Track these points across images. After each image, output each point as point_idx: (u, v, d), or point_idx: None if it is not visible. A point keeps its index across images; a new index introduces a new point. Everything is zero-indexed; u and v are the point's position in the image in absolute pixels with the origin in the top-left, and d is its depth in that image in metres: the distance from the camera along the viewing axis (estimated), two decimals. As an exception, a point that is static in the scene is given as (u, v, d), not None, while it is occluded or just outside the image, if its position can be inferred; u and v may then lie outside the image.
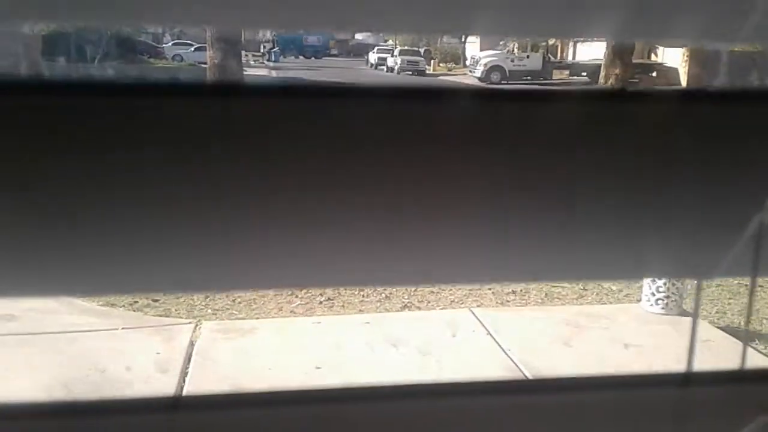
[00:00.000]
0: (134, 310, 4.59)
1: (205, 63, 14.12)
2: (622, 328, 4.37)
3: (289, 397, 0.38)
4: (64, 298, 4.66)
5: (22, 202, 0.32)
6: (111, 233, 0.33)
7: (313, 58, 38.53)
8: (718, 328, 4.38)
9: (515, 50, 26.76)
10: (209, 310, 4.63)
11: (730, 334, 4.23)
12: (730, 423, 0.43)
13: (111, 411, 0.37)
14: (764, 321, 4.66)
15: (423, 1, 0.35)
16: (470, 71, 28.21)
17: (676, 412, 0.43)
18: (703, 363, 0.43)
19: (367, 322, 4.43)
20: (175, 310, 4.61)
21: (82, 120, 0.32)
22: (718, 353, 3.61)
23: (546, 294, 5.12)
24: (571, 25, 0.39)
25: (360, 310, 4.75)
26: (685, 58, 22.49)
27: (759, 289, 5.21)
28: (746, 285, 5.24)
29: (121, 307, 4.63)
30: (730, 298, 5.00)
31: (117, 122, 0.32)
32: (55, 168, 0.31)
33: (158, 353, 3.83)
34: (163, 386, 3.42)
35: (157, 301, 4.73)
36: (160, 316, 4.52)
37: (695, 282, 5.17)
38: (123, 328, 4.18)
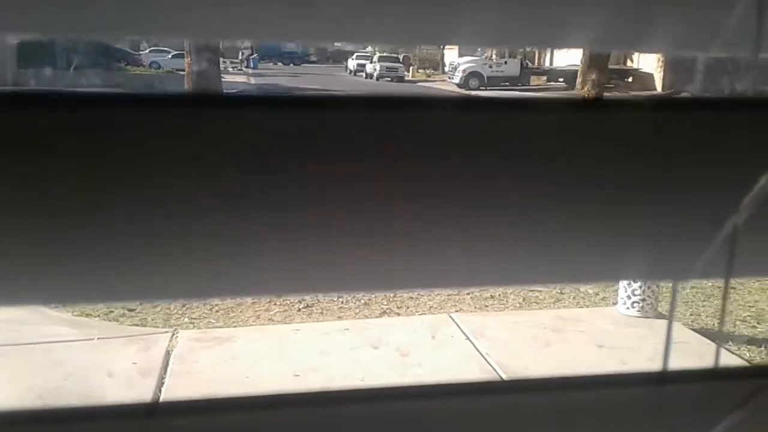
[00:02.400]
0: (110, 320, 4.54)
1: (183, 70, 14.05)
2: (599, 330, 4.41)
3: (268, 402, 0.38)
4: (42, 307, 4.61)
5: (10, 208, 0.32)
6: (94, 241, 0.33)
7: (291, 65, 38.47)
8: (692, 330, 4.44)
9: (493, 57, 26.93)
10: (186, 319, 4.60)
11: (704, 336, 4.29)
12: (704, 420, 0.44)
13: (87, 417, 0.37)
14: (737, 323, 4.72)
15: (402, 13, 0.36)
16: (449, 77, 28.36)
17: (652, 410, 0.44)
18: (678, 363, 0.44)
19: (347, 329, 4.42)
20: (152, 320, 4.57)
21: (71, 129, 0.32)
22: (693, 354, 3.65)
23: (524, 299, 5.15)
24: (549, 35, 0.39)
25: (339, 317, 4.74)
26: (660, 63, 22.78)
27: (732, 291, 5.29)
28: (719, 287, 5.31)
29: (96, 317, 4.58)
30: (704, 301, 5.07)
31: (106, 133, 0.32)
32: (42, 177, 0.32)
33: (134, 362, 3.79)
34: (139, 395, 3.39)
35: (133, 310, 4.69)
36: (137, 325, 4.48)
37: (670, 285, 5.23)
38: (99, 338, 4.14)
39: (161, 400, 3.26)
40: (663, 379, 0.45)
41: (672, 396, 0.44)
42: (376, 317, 4.76)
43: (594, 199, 0.38)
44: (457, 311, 4.82)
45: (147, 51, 28.45)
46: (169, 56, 26.82)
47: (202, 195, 0.33)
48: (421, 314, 4.80)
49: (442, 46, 33.99)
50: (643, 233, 0.40)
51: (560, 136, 0.37)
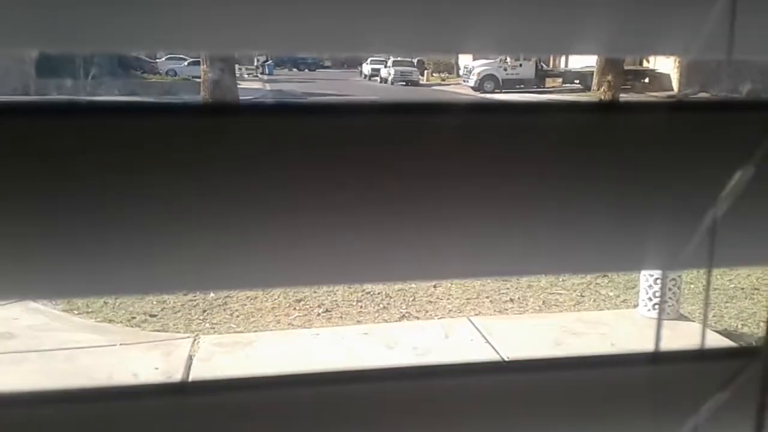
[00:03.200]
0: (132, 326, 4.58)
1: (199, 77, 14.15)
2: (621, 333, 4.38)
3: (291, 380, 0.40)
4: (64, 314, 4.66)
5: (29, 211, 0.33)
6: (108, 237, 0.34)
7: (306, 70, 38.65)
8: (715, 331, 4.40)
9: (508, 59, 26.87)
10: (207, 324, 4.62)
11: (728, 338, 4.25)
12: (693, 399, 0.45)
13: (118, 396, 0.38)
14: (761, 324, 4.67)
15: (416, 23, 0.36)
16: (464, 81, 28.34)
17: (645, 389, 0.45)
18: None
19: (366, 333, 4.43)
20: (173, 325, 4.60)
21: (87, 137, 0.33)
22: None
23: (543, 301, 5.13)
24: (563, 42, 0.40)
25: (358, 321, 4.75)
26: (677, 64, 22.62)
27: (755, 292, 5.23)
28: (742, 289, 5.26)
29: (119, 323, 4.62)
30: (726, 302, 5.02)
31: (119, 141, 0.33)
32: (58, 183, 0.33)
33: (156, 368, 3.82)
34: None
35: (154, 316, 4.73)
36: (158, 331, 4.51)
37: (691, 287, 5.19)
38: (121, 344, 4.18)
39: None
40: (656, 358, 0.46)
41: (664, 376, 0.45)
42: (395, 321, 4.76)
43: (609, 195, 0.39)
44: (476, 315, 4.80)
45: (163, 59, 28.73)
46: (185, 63, 27.06)
47: (217, 197, 0.34)
48: (440, 318, 4.79)
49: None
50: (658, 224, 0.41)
51: (570, 139, 0.38)
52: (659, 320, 3.86)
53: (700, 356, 0.47)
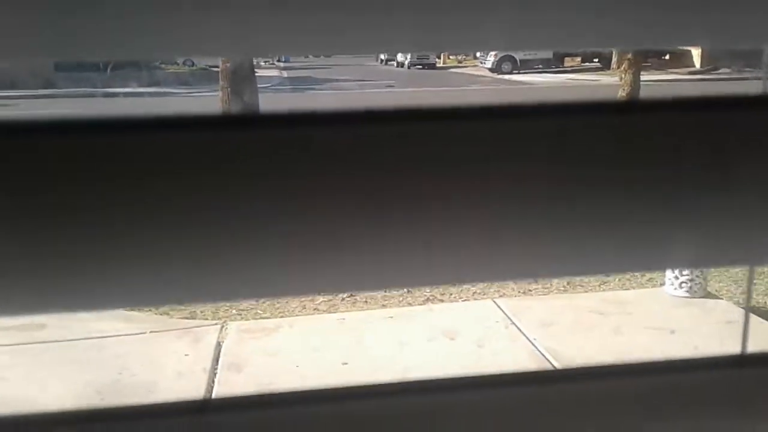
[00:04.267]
0: (160, 314, 4.64)
1: (216, 66, 14.18)
2: (648, 313, 4.35)
3: (314, 396, 0.40)
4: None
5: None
6: (126, 245, 0.34)
7: (322, 57, 38.56)
8: (742, 308, 4.35)
9: (525, 39, 26.51)
10: (234, 311, 4.67)
11: (757, 315, 4.20)
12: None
13: (138, 416, 0.38)
14: (791, 300, 4.62)
15: (429, 20, 0.36)
16: (480, 63, 28.10)
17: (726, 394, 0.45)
18: (730, 342, 0.44)
19: (391, 317, 4.45)
20: (201, 312, 4.65)
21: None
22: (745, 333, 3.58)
23: (568, 282, 5.11)
24: (579, 38, 0.39)
25: (383, 305, 4.77)
26: (698, 39, 22.18)
27: (784, 268, 5.17)
28: (771, 265, 5.19)
29: (147, 311, 4.68)
30: (755, 279, 4.96)
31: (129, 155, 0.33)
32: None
33: (186, 355, 3.87)
34: (192, 386, 3.46)
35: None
36: (186, 318, 4.57)
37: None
38: (150, 332, 4.23)
39: (214, 390, 3.32)
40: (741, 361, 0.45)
41: (747, 379, 0.45)
42: (420, 305, 4.77)
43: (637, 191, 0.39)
44: (500, 296, 4.80)
45: (180, 49, 28.73)
46: (202, 53, 27.04)
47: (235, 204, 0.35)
48: (465, 300, 4.80)
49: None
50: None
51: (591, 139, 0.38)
52: (746, 321, 3.77)
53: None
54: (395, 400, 0.40)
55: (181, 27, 0.34)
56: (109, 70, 19.04)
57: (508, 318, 4.30)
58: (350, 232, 0.36)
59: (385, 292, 4.99)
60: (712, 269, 4.82)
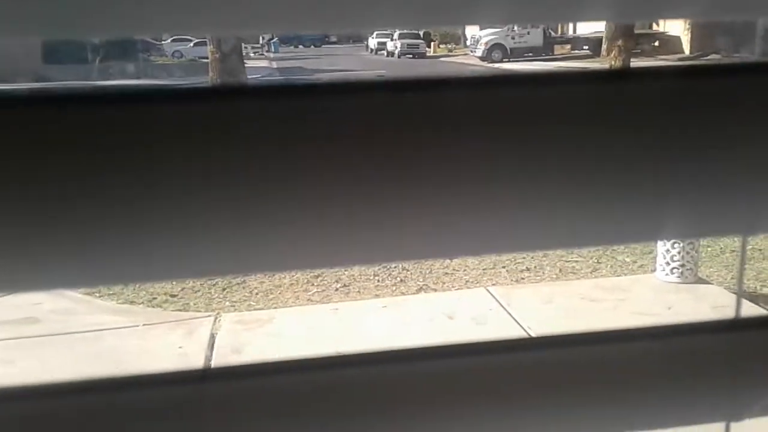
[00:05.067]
0: (153, 307, 4.64)
1: (206, 58, 14.09)
2: (640, 298, 4.38)
3: (309, 364, 0.40)
4: (87, 297, 4.72)
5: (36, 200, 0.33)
6: (119, 225, 0.34)
7: (312, 47, 38.39)
8: (734, 293, 4.39)
9: (515, 28, 26.57)
10: (227, 303, 4.67)
11: (747, 299, 4.24)
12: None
13: (139, 385, 0.39)
14: (780, 284, 4.66)
15: None
16: (471, 51, 28.07)
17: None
18: None
19: (385, 306, 4.46)
20: (194, 304, 4.65)
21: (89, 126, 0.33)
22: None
23: (560, 270, 5.13)
24: (572, 9, 0.39)
25: (376, 295, 4.78)
26: (687, 26, 22.28)
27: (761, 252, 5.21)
28: (760, 250, 5.23)
29: (140, 304, 4.68)
30: (744, 264, 5.00)
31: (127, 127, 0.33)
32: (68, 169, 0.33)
33: (180, 347, 3.88)
34: (187, 379, 3.46)
35: (175, 296, 4.78)
36: (179, 310, 4.56)
37: (709, 250, 5.16)
38: (144, 325, 4.23)
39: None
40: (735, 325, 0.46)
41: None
42: (413, 294, 4.78)
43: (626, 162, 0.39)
44: (493, 284, 4.82)
45: (169, 41, 28.61)
46: (191, 45, 26.95)
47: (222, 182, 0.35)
48: (458, 289, 4.82)
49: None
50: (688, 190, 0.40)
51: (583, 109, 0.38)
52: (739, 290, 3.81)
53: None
54: (385, 367, 0.41)
55: (167, 3, 0.34)
56: (98, 62, 18.90)
57: (502, 306, 4.32)
58: (344, 205, 0.36)
59: (379, 266, 5.00)
60: (703, 254, 4.85)
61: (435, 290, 4.85)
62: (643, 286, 4.62)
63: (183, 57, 26.06)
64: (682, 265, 4.60)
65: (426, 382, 0.41)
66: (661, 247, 4.69)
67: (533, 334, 3.84)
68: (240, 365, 0.40)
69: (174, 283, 4.97)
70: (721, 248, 5.33)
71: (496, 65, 24.59)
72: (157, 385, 0.39)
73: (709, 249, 5.23)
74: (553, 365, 0.44)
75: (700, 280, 4.64)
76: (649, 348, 0.45)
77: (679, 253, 4.59)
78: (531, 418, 0.44)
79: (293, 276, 5.06)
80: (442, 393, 0.42)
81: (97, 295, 4.81)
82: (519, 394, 0.43)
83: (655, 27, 24.62)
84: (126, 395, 0.39)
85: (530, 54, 26.26)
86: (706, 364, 0.45)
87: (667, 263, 4.65)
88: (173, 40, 28.59)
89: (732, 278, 4.78)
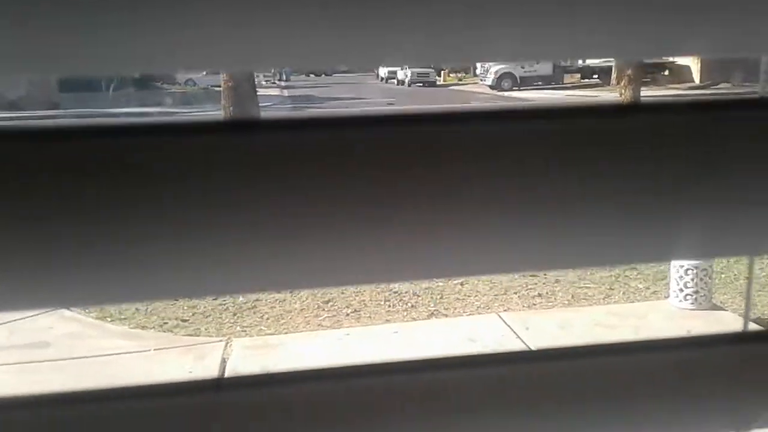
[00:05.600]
0: (164, 331, 4.63)
1: (218, 86, 14.25)
2: (654, 325, 4.34)
3: (319, 374, 0.41)
4: (99, 321, 4.72)
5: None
6: (117, 243, 0.35)
7: (323, 75, 38.77)
8: (740, 315, 4.34)
9: (525, 56, 26.69)
10: (238, 328, 4.66)
11: (762, 326, 4.19)
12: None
13: (154, 395, 0.39)
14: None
15: (429, 34, 0.37)
16: (481, 80, 28.24)
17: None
18: None
19: (396, 332, 4.44)
20: (205, 329, 4.65)
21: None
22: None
23: (572, 296, 5.10)
24: (580, 47, 0.40)
25: (387, 320, 4.76)
26: (697, 57, 22.32)
27: (788, 280, 5.16)
28: (775, 276, 5.19)
29: (151, 328, 4.68)
30: (759, 290, 4.95)
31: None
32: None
33: (191, 371, 3.86)
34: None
35: (186, 321, 4.78)
36: (191, 335, 4.56)
37: (723, 277, 5.12)
38: (155, 349, 4.23)
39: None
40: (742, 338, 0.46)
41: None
42: (424, 319, 4.76)
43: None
44: (505, 311, 4.79)
45: (182, 69, 28.90)
46: (204, 73, 27.31)
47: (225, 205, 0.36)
48: (469, 315, 4.79)
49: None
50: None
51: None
52: (747, 304, 3.79)
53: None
54: (393, 378, 0.42)
55: (182, 38, 0.35)
56: (111, 90, 19.15)
57: (514, 332, 4.29)
58: (349, 229, 0.37)
59: (389, 285, 4.99)
60: (717, 281, 4.81)
61: (446, 315, 4.83)
62: (658, 312, 4.58)
63: (196, 85, 26.36)
64: (696, 292, 4.57)
65: (427, 392, 0.42)
66: (675, 273, 4.66)
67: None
68: (252, 375, 0.41)
69: (185, 308, 4.98)
70: (735, 275, 5.29)
71: (506, 93, 24.72)
72: (174, 395, 0.40)
73: (723, 276, 5.18)
74: (557, 377, 0.44)
75: (715, 307, 4.60)
76: (653, 361, 0.45)
77: (692, 279, 4.56)
78: (535, 430, 0.44)
79: (304, 301, 5.06)
80: (443, 403, 0.42)
81: (109, 319, 4.82)
82: (522, 406, 0.43)
83: (664, 57, 24.69)
84: (143, 403, 0.39)
85: (540, 82, 26.40)
86: (711, 377, 0.45)
87: (681, 289, 4.61)
88: (186, 69, 28.90)
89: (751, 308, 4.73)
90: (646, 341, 0.45)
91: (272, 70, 35.68)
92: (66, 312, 4.81)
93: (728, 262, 5.43)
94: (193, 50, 0.35)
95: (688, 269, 4.55)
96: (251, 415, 0.40)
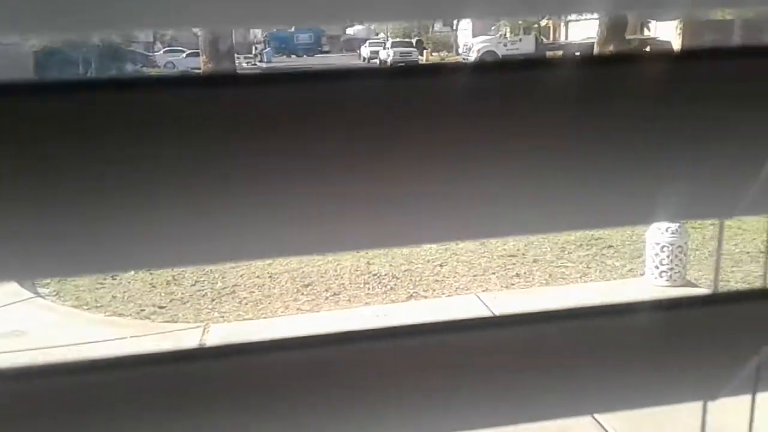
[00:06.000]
0: (141, 318, 4.62)
1: (198, 68, 14.12)
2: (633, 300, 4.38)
3: (295, 343, 0.41)
4: (75, 309, 4.70)
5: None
6: (103, 214, 0.34)
7: (305, 56, 38.49)
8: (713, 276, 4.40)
9: (507, 34, 26.71)
10: (216, 313, 4.66)
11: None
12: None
13: (132, 365, 0.39)
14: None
15: None
16: (463, 58, 28.17)
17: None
18: None
19: (377, 315, 4.45)
20: (182, 316, 4.64)
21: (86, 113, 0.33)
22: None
23: (550, 275, 5.13)
24: (565, 2, 0.39)
25: (366, 303, 4.77)
26: (678, 31, 22.42)
27: (762, 255, 5.21)
28: (748, 253, 5.24)
29: (128, 316, 4.66)
30: (732, 266, 5.01)
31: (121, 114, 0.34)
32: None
33: (168, 359, 3.86)
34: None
35: (163, 308, 4.76)
36: (168, 322, 4.55)
37: (697, 253, 5.18)
38: (132, 336, 4.21)
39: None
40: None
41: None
42: (403, 301, 4.78)
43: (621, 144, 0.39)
44: (483, 291, 4.82)
45: (161, 52, 28.65)
46: (184, 55, 27.00)
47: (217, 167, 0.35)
48: (448, 296, 4.81)
49: (455, 28, 33.74)
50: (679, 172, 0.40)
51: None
52: (717, 265, 3.85)
53: (760, 296, 0.47)
54: (364, 345, 0.42)
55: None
56: (89, 73, 18.94)
57: (492, 312, 4.32)
58: (337, 187, 0.36)
59: (377, 249, 5.00)
60: (692, 258, 4.86)
61: (425, 297, 4.85)
62: (633, 290, 4.62)
63: (175, 68, 26.10)
64: (671, 269, 4.61)
65: (403, 358, 0.42)
66: (650, 250, 4.70)
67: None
68: (226, 345, 0.40)
69: (162, 294, 4.96)
70: (710, 252, 5.34)
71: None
72: (152, 364, 0.40)
73: (698, 253, 5.23)
74: (529, 342, 0.44)
75: (689, 283, 4.65)
76: (625, 324, 0.45)
77: (668, 257, 4.60)
78: (511, 395, 0.44)
79: (282, 285, 5.05)
80: (418, 369, 0.42)
81: (85, 307, 4.79)
82: (497, 371, 0.43)
83: (646, 32, 24.78)
84: (122, 373, 0.39)
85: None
86: (683, 339, 0.45)
87: (656, 267, 4.66)
88: (165, 51, 28.63)
89: (720, 281, 4.79)
90: (616, 304, 0.45)
91: (253, 51, 35.35)
92: (40, 300, 4.78)
93: (703, 239, 5.49)
94: (169, 10, 0.34)
95: (663, 246, 4.59)
96: (226, 385, 0.40)
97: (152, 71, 24.05)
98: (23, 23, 0.33)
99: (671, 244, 4.60)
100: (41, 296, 4.86)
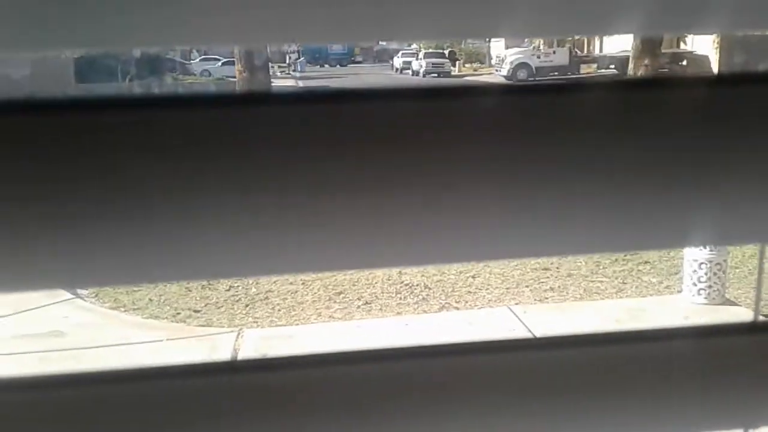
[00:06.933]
0: (177, 321, 4.67)
1: (233, 77, 14.28)
2: (667, 320, 4.31)
3: (331, 359, 0.42)
4: (114, 311, 4.77)
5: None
6: (123, 227, 0.35)
7: (338, 66, 38.73)
8: (763, 315, 4.30)
9: (541, 46, 26.55)
10: (250, 319, 4.70)
11: (777, 322, 4.15)
12: None
13: (169, 376, 0.40)
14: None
15: (446, 7, 0.36)
16: (496, 70, 28.07)
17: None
18: None
19: (407, 324, 4.45)
20: (217, 320, 4.68)
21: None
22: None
23: (584, 289, 5.08)
24: (598, 22, 0.40)
25: (398, 313, 4.77)
26: (716, 44, 22.08)
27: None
28: (790, 271, 5.13)
29: (164, 318, 4.72)
30: (774, 286, 4.90)
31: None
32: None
33: (203, 362, 3.90)
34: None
35: (198, 311, 4.81)
36: (203, 326, 4.60)
37: (737, 271, 5.07)
38: (168, 339, 4.27)
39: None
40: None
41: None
42: (435, 312, 4.76)
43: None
44: (516, 304, 4.78)
45: (197, 60, 29.05)
46: (219, 64, 27.35)
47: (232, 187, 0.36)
48: (480, 308, 4.79)
49: (488, 40, 33.66)
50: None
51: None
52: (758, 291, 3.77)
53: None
54: (401, 364, 0.42)
55: (192, 16, 0.35)
56: (128, 81, 19.26)
57: (525, 326, 4.28)
58: (357, 210, 0.37)
59: (400, 269, 4.99)
60: (731, 276, 4.77)
61: (457, 308, 4.83)
62: (670, 308, 4.55)
63: (211, 76, 26.45)
64: (710, 287, 4.53)
65: (430, 379, 0.42)
66: (688, 267, 4.63)
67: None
68: (266, 359, 0.41)
69: (198, 298, 5.01)
70: (750, 270, 5.24)
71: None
72: (189, 376, 0.40)
73: (737, 271, 5.13)
74: (565, 366, 0.44)
75: (728, 302, 4.56)
76: (663, 350, 0.45)
77: (706, 274, 4.52)
78: (542, 419, 0.44)
79: (315, 293, 5.08)
80: (444, 390, 0.42)
81: (123, 309, 4.86)
82: (531, 394, 0.43)
83: (683, 46, 24.44)
84: (157, 384, 0.40)
85: (556, 73, 26.20)
86: (723, 367, 0.45)
87: (694, 284, 4.58)
88: (202, 60, 29.02)
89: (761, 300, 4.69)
90: (656, 330, 0.45)
91: (287, 61, 35.67)
92: (79, 301, 4.87)
93: (743, 257, 5.38)
94: (207, 27, 0.35)
95: (701, 263, 4.52)
96: (260, 398, 0.40)
97: (189, 79, 24.37)
98: (54, 39, 0.35)
99: (710, 261, 4.52)
100: (80, 297, 4.95)
